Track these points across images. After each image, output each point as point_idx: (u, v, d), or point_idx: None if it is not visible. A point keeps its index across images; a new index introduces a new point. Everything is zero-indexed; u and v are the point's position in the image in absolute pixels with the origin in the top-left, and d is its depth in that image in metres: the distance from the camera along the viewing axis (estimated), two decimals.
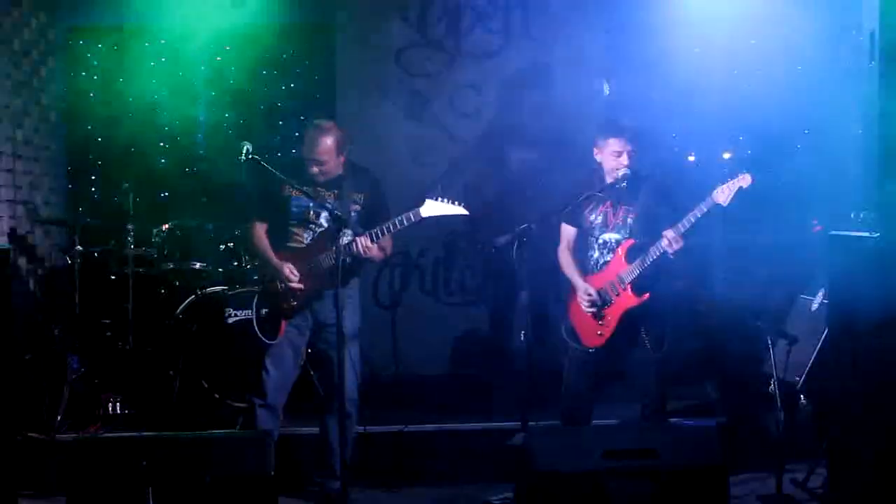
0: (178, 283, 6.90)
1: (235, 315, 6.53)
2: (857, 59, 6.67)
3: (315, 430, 5.64)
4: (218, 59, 8.01)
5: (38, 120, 7.55)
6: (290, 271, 5.44)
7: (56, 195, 7.85)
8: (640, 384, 5.60)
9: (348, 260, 5.34)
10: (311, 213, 5.49)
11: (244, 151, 5.35)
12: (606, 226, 5.52)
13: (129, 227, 6.79)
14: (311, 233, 5.51)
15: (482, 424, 6.25)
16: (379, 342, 7.01)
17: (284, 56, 8.07)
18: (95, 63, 8.10)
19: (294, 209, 5.51)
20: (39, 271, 7.41)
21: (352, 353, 5.39)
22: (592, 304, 5.44)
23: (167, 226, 6.95)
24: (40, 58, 7.58)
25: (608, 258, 5.50)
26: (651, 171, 5.61)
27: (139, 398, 6.51)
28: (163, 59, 7.61)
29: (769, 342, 5.81)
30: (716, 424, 6.08)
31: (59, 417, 6.24)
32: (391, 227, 5.35)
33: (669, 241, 5.25)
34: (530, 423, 5.17)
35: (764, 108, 7.37)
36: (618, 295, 5.42)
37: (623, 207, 5.48)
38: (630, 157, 5.44)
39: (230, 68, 7.91)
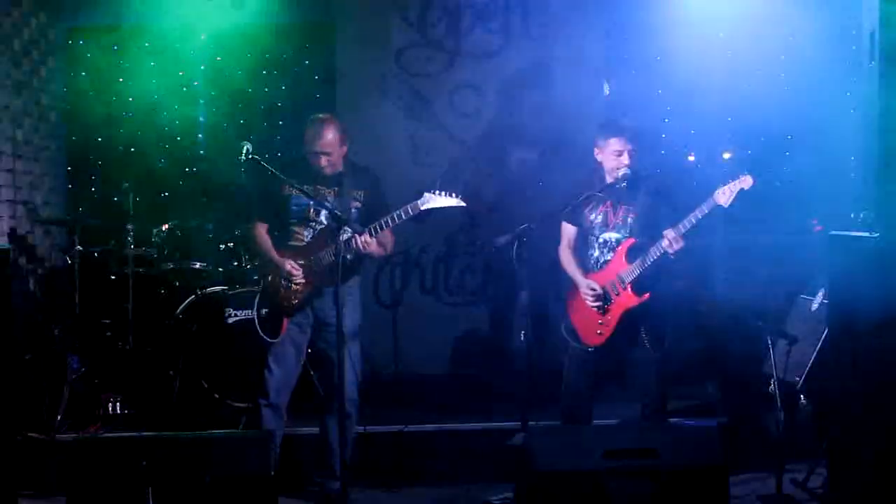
0: (178, 283, 6.90)
1: (235, 315, 6.53)
2: (857, 59, 6.68)
3: (315, 430, 5.64)
4: (218, 59, 8.01)
5: (38, 120, 7.55)
6: (293, 267, 5.44)
7: (56, 195, 7.85)
8: (640, 384, 5.60)
9: (349, 257, 5.34)
10: (311, 211, 5.49)
11: (244, 151, 5.36)
12: (607, 225, 5.52)
13: (129, 227, 6.79)
14: (312, 231, 5.51)
15: (482, 424, 6.25)
16: (379, 341, 7.01)
17: (284, 56, 8.06)
18: (95, 63, 8.09)
19: (294, 208, 5.51)
20: (39, 271, 7.41)
21: (352, 352, 5.38)
22: (597, 298, 5.43)
23: (167, 226, 6.95)
24: (40, 58, 7.58)
25: (608, 257, 5.50)
26: (651, 171, 5.62)
27: (139, 398, 6.51)
28: (163, 59, 7.60)
29: (769, 342, 5.81)
30: (716, 424, 6.08)
31: (59, 417, 6.24)
32: (390, 222, 5.35)
33: (670, 241, 5.25)
34: (530, 423, 5.16)
35: (764, 108, 7.37)
36: (618, 294, 5.42)
37: (623, 207, 5.48)
38: (630, 157, 5.44)
39: (230, 68, 7.91)
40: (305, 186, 5.38)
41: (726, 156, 7.86)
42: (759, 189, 5.33)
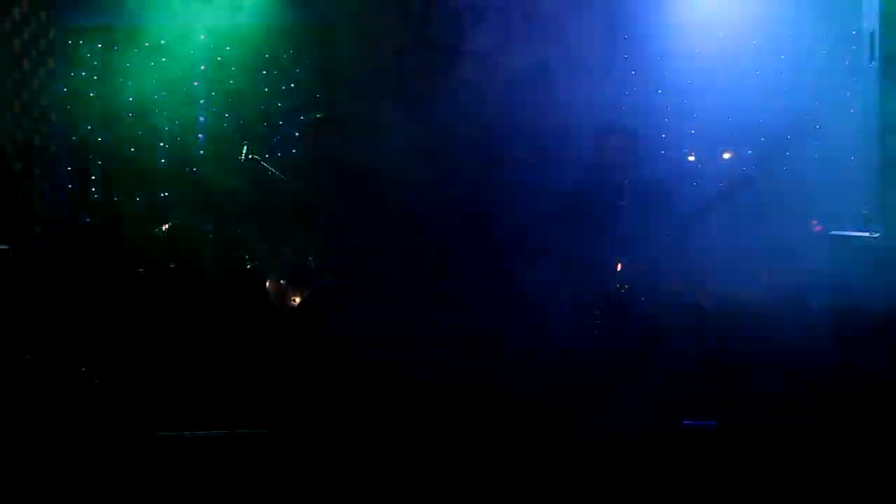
0: (178, 283, 6.90)
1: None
2: (857, 59, 6.68)
3: None
4: (218, 59, 8.01)
5: (38, 120, 7.55)
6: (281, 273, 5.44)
7: (56, 195, 7.85)
8: (640, 384, 5.60)
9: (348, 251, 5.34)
10: (309, 208, 5.49)
11: (244, 151, 5.38)
12: (605, 225, 5.52)
13: (129, 226, 6.78)
14: (309, 228, 5.51)
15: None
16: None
17: (284, 56, 8.06)
18: (95, 63, 8.10)
19: (292, 207, 5.52)
20: (40, 271, 7.40)
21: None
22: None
23: (167, 226, 6.95)
24: (40, 58, 7.58)
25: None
26: (651, 171, 5.62)
27: (139, 398, 6.49)
28: (163, 59, 7.60)
29: (769, 342, 5.81)
30: (716, 424, 6.08)
31: (58, 417, 6.23)
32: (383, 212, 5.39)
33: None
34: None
35: (764, 108, 7.37)
36: (619, 293, 5.42)
37: (623, 207, 5.48)
38: (630, 157, 5.45)
39: (230, 68, 7.91)
40: (304, 186, 5.38)
41: (726, 156, 7.86)
42: (759, 189, 5.33)
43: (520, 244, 6.18)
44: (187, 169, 7.92)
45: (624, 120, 5.65)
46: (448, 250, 7.57)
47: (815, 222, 7.20)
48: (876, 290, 4.61)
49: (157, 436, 5.24)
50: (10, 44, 7.12)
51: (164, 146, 8.04)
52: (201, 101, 8.23)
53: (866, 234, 4.76)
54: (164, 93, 7.62)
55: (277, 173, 5.38)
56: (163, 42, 7.74)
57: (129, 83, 7.79)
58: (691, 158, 7.83)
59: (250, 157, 5.38)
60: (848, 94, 7.16)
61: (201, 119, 8.25)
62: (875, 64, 4.72)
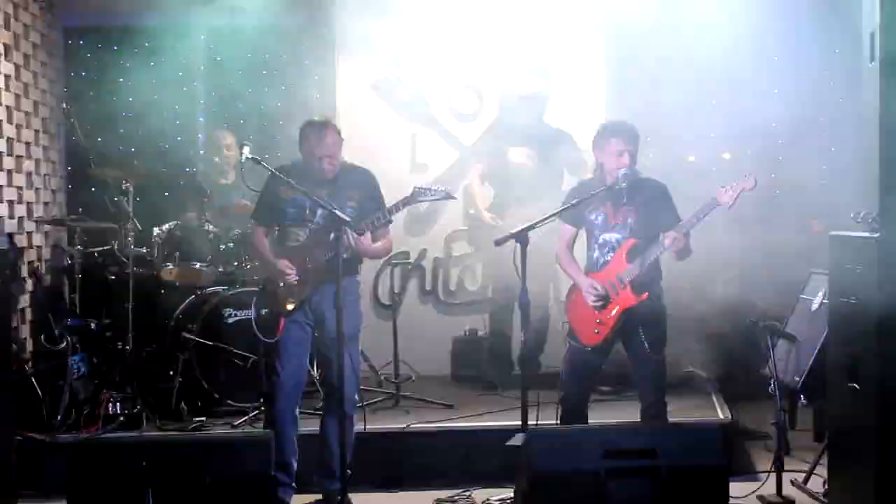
0: (178, 283, 6.90)
1: (235, 315, 6.55)
2: (857, 59, 6.67)
3: (315, 430, 5.63)
4: (218, 59, 8.01)
5: (39, 120, 7.55)
6: (286, 266, 5.44)
7: (56, 195, 7.86)
8: (639, 385, 5.60)
9: (346, 255, 5.32)
10: (308, 211, 5.48)
11: (243, 152, 5.38)
12: (607, 226, 5.51)
13: (129, 227, 6.78)
14: (308, 231, 5.51)
15: (482, 424, 6.24)
16: (379, 341, 7.01)
17: (284, 56, 8.07)
18: (95, 63, 8.10)
19: (292, 209, 5.51)
20: (39, 271, 7.41)
21: (352, 353, 5.38)
22: (598, 297, 5.42)
23: (167, 226, 6.95)
24: (40, 58, 7.58)
25: (608, 258, 5.49)
26: (652, 172, 5.61)
27: (139, 398, 6.50)
28: (163, 60, 7.60)
29: (769, 342, 5.81)
30: (716, 424, 6.08)
31: (59, 417, 6.24)
32: (381, 218, 5.38)
33: (672, 239, 5.24)
34: (530, 423, 5.16)
35: (764, 108, 7.37)
36: (617, 294, 5.41)
37: (623, 207, 5.47)
38: (630, 158, 5.44)
39: (230, 69, 7.90)
40: (304, 187, 5.38)
41: (726, 156, 7.86)
42: (760, 189, 5.33)
43: None
44: (187, 169, 7.92)
45: (623, 121, 5.62)
46: None
47: (815, 222, 7.21)
48: (876, 289, 4.60)
49: None
50: (9, 44, 7.11)
51: (164, 146, 8.04)
52: (201, 102, 8.23)
53: (866, 234, 4.75)
54: (164, 93, 7.61)
55: (277, 173, 5.38)
56: (162, 42, 7.73)
57: (129, 83, 7.78)
58: (691, 159, 7.84)
59: (250, 157, 5.37)
60: (848, 94, 7.16)
61: (201, 119, 8.25)
62: (875, 64, 4.70)
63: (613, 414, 6.21)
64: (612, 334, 5.45)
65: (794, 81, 7.47)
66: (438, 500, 5.67)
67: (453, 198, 5.68)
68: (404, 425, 6.23)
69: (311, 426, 5.73)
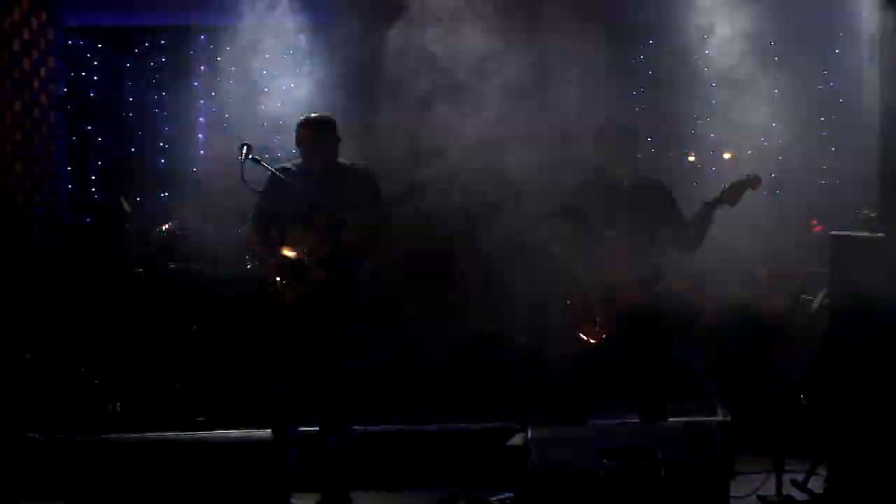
0: (178, 284, 6.90)
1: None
2: (857, 60, 6.68)
3: (315, 430, 5.63)
4: (218, 59, 8.01)
5: (38, 120, 7.55)
6: (279, 272, 5.41)
7: (56, 195, 7.86)
8: (639, 384, 5.60)
9: (345, 255, 5.32)
10: (308, 210, 5.48)
11: (243, 151, 5.37)
12: (607, 225, 5.51)
13: (129, 227, 6.78)
14: (307, 230, 5.50)
15: (482, 424, 6.25)
16: (377, 341, 7.00)
17: (284, 56, 8.06)
18: (95, 63, 8.10)
19: (291, 208, 5.50)
20: (40, 271, 7.40)
21: (352, 352, 5.38)
22: (600, 297, 5.42)
23: (167, 226, 6.95)
24: (40, 58, 7.58)
25: (609, 257, 5.49)
26: (652, 171, 5.62)
27: (139, 398, 6.51)
28: (162, 59, 7.60)
29: (769, 342, 5.81)
30: (716, 424, 6.08)
31: (59, 417, 6.24)
32: (384, 217, 5.38)
33: (673, 238, 5.25)
34: (530, 423, 5.16)
35: (765, 108, 7.36)
36: (618, 294, 5.41)
37: (624, 207, 5.47)
38: (631, 157, 5.44)
39: (230, 68, 7.90)
40: (304, 186, 5.38)
41: (726, 156, 7.86)
42: (760, 189, 5.34)
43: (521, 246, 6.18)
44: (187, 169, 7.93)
45: (623, 120, 5.63)
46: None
47: (815, 222, 7.20)
48: (876, 290, 4.60)
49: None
50: (10, 44, 7.11)
51: (164, 146, 8.04)
52: (201, 102, 8.23)
53: (867, 234, 4.75)
54: (164, 93, 7.61)
55: (277, 174, 5.38)
56: (163, 42, 7.74)
57: (130, 83, 7.78)
58: (691, 159, 7.84)
59: (250, 157, 5.37)
60: (848, 94, 7.17)
61: (201, 120, 8.25)
62: (875, 64, 4.71)
63: (613, 414, 6.21)
64: (613, 334, 5.45)
65: (794, 82, 7.46)
66: (438, 500, 5.68)
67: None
68: (404, 425, 6.23)
69: (310, 426, 5.73)
